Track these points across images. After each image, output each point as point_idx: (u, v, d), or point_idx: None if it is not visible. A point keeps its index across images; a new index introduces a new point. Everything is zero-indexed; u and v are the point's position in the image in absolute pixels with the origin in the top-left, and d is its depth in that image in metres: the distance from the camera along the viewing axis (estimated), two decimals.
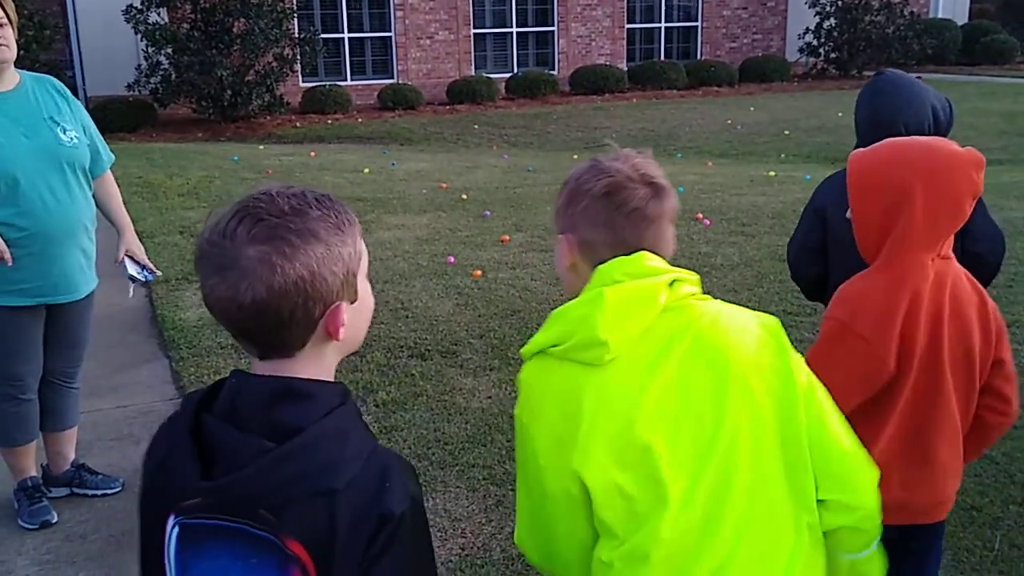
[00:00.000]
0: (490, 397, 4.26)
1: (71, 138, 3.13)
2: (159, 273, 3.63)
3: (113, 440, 3.94)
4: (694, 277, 1.53)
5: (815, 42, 20.71)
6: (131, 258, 3.43)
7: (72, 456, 3.53)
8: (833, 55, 20.81)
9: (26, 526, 3.29)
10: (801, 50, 20.77)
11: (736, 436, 1.41)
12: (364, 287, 1.23)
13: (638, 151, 1.55)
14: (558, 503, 1.45)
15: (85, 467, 3.54)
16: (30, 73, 3.22)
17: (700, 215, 7.62)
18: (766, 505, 1.41)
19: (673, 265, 1.52)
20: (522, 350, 1.54)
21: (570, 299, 1.52)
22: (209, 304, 1.17)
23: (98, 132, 3.35)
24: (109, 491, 3.50)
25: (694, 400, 1.43)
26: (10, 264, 2.98)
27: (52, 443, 3.49)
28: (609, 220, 1.49)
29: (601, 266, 1.50)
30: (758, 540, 1.40)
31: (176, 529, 1.16)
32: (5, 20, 3.02)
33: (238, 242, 1.13)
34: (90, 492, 3.49)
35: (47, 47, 13.58)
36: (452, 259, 6.47)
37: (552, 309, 1.48)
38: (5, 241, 3.02)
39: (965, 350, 1.96)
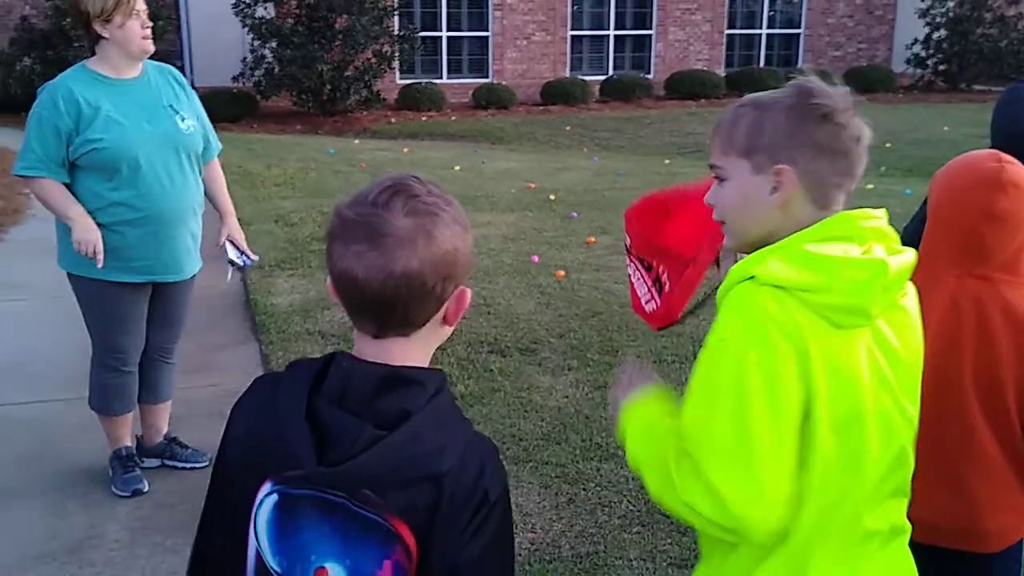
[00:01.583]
0: (567, 396, 4.29)
1: (188, 126, 3.28)
2: (257, 259, 3.74)
3: (203, 417, 4.09)
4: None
5: (923, 53, 20.08)
6: (232, 243, 3.56)
7: (165, 429, 3.70)
8: (942, 67, 20.14)
9: (119, 493, 3.46)
10: (908, 61, 20.16)
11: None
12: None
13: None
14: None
15: (177, 441, 3.70)
16: (152, 62, 3.37)
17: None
18: None
19: None
20: (755, 271, 1.38)
21: (743, 242, 1.46)
22: (349, 275, 1.18)
23: (208, 121, 3.50)
24: (198, 465, 3.65)
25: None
26: (100, 266, 3.16)
27: (147, 415, 3.65)
28: (845, 148, 1.40)
29: (845, 214, 1.41)
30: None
31: (275, 497, 1.21)
32: (147, 12, 3.21)
33: (394, 212, 1.17)
34: (180, 465, 3.65)
35: (159, 38, 14.07)
36: (536, 258, 6.52)
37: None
38: (124, 222, 3.19)
39: (991, 380, 1.86)
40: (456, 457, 1.18)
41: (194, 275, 3.48)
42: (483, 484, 1.19)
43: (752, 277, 1.38)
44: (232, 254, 3.57)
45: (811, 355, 1.33)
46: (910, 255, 1.45)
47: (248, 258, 3.61)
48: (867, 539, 1.47)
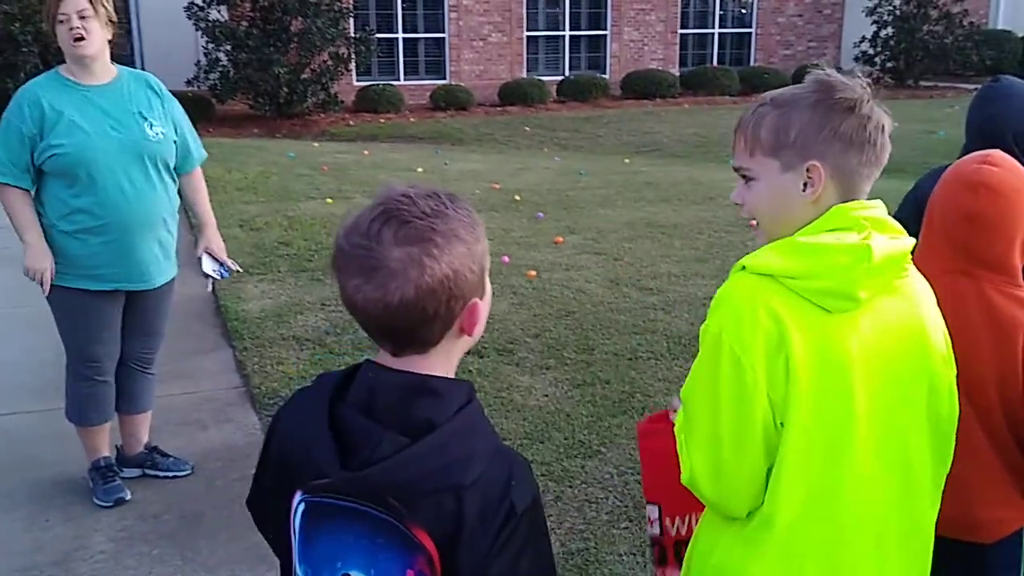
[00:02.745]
0: (546, 395, 4.32)
1: (157, 133, 3.22)
2: (239, 269, 3.70)
3: (180, 425, 4.06)
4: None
5: (871, 51, 20.46)
6: (209, 254, 3.53)
7: (145, 439, 3.65)
8: (889, 64, 20.53)
9: (101, 504, 3.41)
10: (857, 59, 20.52)
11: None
12: (488, 283, 1.28)
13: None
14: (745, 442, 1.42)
15: (157, 450, 3.66)
16: (130, 70, 3.34)
17: (754, 222, 7.58)
18: None
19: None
20: (746, 262, 1.44)
21: (777, 237, 1.46)
22: (352, 304, 1.20)
23: (192, 129, 3.45)
24: (180, 473, 3.62)
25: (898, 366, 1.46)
26: (45, 294, 3.20)
27: (126, 425, 3.61)
28: (872, 139, 1.42)
29: (840, 207, 1.43)
30: None
31: (303, 506, 1.23)
32: (90, 12, 3.11)
33: (385, 244, 1.16)
34: (161, 474, 3.61)
35: (109, 41, 13.89)
36: (507, 259, 6.54)
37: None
38: (86, 229, 3.15)
39: (973, 376, 1.83)
40: (481, 469, 1.17)
41: (168, 284, 3.43)
42: (509, 497, 1.18)
43: (744, 268, 1.44)
44: (208, 267, 3.53)
45: (790, 339, 1.36)
46: (906, 241, 1.48)
47: (226, 269, 3.58)
48: (866, 535, 1.45)
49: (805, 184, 1.45)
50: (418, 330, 1.19)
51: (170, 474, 3.61)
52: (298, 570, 1.26)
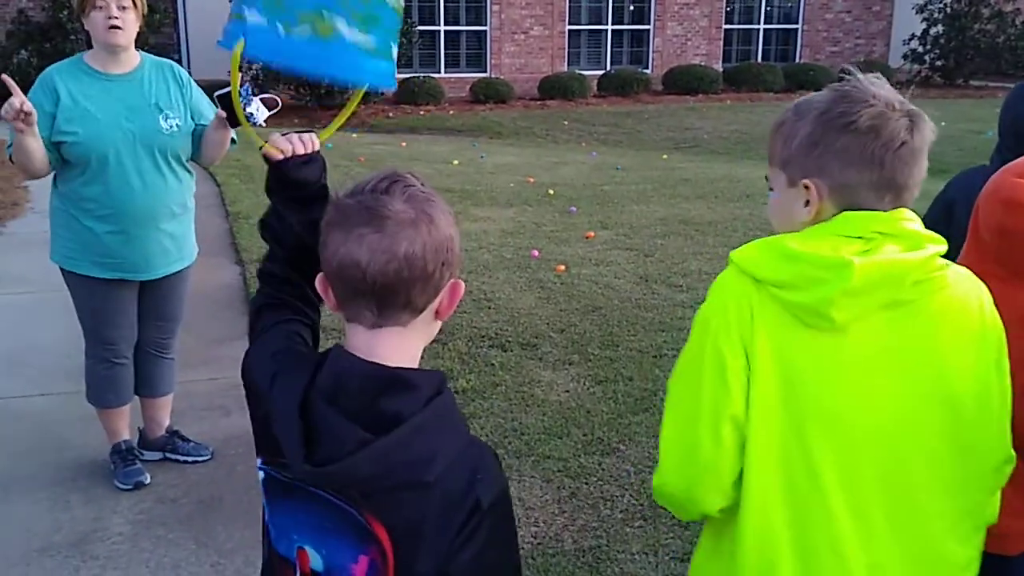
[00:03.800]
0: (568, 391, 4.30)
1: (171, 126, 3.22)
2: (276, 105, 3.25)
3: (204, 410, 4.10)
4: (944, 246, 1.36)
5: (920, 49, 20.09)
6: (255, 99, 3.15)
7: (166, 423, 3.70)
8: (939, 63, 20.15)
9: (121, 486, 3.45)
10: (905, 56, 20.16)
11: None
12: None
13: (870, 76, 1.38)
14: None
15: (178, 434, 3.70)
16: (154, 58, 3.34)
17: None
18: None
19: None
20: (734, 256, 1.39)
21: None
22: (350, 257, 1.18)
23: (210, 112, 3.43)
24: (200, 458, 3.65)
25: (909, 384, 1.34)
26: (25, 119, 2.91)
27: (147, 409, 3.65)
28: (876, 158, 1.31)
29: (850, 214, 1.33)
30: None
31: (262, 474, 1.25)
32: (129, 3, 3.14)
33: (395, 198, 1.20)
34: (182, 458, 3.65)
35: (156, 31, 14.12)
36: (536, 253, 6.52)
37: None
38: (93, 217, 3.17)
39: None
40: (445, 464, 1.17)
41: (181, 272, 3.44)
42: (475, 492, 1.17)
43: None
44: (253, 107, 3.11)
45: (756, 349, 1.31)
46: (923, 252, 1.33)
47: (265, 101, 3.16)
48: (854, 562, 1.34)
49: (806, 201, 1.37)
50: (411, 291, 1.19)
51: (190, 459, 3.65)
52: (268, 525, 1.29)
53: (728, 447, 1.34)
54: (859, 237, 1.32)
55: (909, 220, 1.35)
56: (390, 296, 1.19)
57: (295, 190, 1.44)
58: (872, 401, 1.34)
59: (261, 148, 1.49)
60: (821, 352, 1.32)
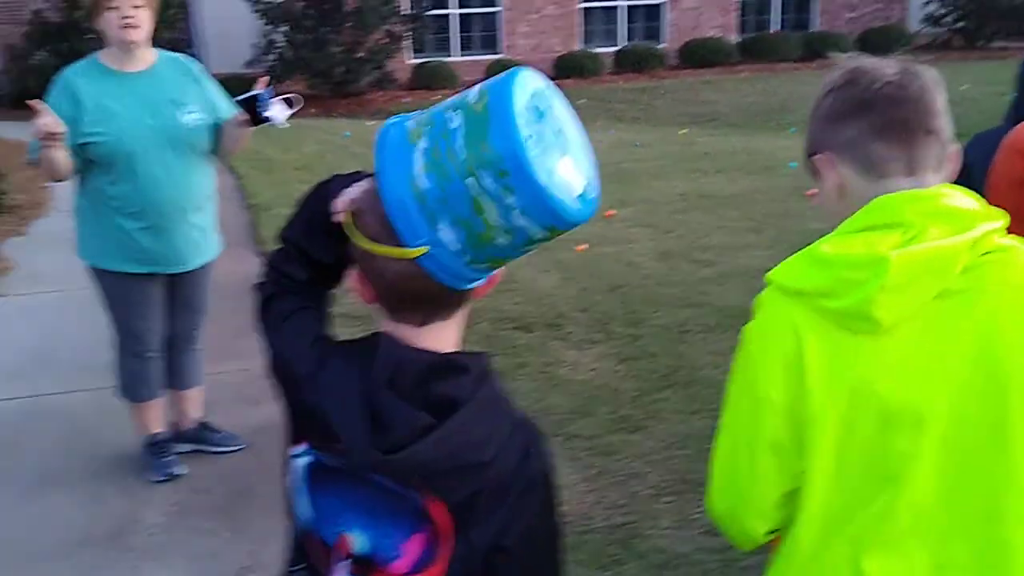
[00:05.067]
0: (593, 370, 4.30)
1: (191, 120, 3.24)
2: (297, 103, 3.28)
3: (234, 401, 4.14)
4: (1001, 221, 1.25)
5: (939, 12, 19.78)
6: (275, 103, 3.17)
7: (197, 415, 3.73)
8: (959, 25, 19.83)
9: (155, 479, 3.50)
10: (924, 20, 19.87)
11: None
12: None
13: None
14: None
15: (208, 425, 3.74)
16: (168, 54, 3.35)
17: (811, 192, 7.44)
18: None
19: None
20: (770, 276, 1.31)
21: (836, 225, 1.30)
22: (397, 276, 1.18)
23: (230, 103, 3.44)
24: (231, 448, 3.69)
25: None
26: (53, 137, 2.92)
27: (178, 401, 3.70)
28: (864, 103, 1.28)
29: (880, 200, 1.24)
30: None
31: (308, 459, 1.24)
32: (143, 2, 3.17)
33: None
34: (213, 449, 3.69)
35: (171, 26, 14.17)
36: None
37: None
38: (123, 214, 3.20)
39: None
40: (500, 443, 1.20)
41: (206, 264, 3.48)
42: (526, 469, 1.22)
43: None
44: (274, 110, 3.14)
45: (807, 366, 1.24)
46: (969, 234, 1.20)
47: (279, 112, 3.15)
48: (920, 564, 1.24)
49: (829, 181, 1.34)
50: (464, 297, 1.23)
51: (221, 449, 3.69)
52: (298, 512, 1.27)
53: (764, 474, 1.30)
54: (898, 225, 1.22)
55: (951, 196, 1.24)
56: (435, 300, 1.22)
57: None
58: (936, 400, 1.24)
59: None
60: (876, 357, 1.23)
